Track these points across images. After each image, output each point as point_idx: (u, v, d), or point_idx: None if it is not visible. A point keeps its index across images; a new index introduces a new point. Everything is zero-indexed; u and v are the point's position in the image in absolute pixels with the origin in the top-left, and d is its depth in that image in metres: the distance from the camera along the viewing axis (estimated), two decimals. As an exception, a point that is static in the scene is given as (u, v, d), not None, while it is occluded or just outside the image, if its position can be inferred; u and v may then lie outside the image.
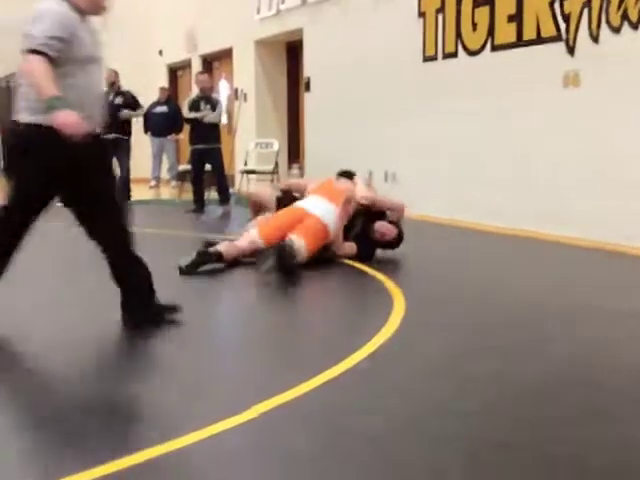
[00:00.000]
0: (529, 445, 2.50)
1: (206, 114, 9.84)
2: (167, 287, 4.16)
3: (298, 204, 5.94)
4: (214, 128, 9.98)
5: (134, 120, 11.57)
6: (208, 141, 9.88)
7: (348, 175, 6.44)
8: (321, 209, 5.77)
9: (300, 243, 5.33)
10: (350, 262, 5.77)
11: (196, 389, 3.06)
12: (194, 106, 9.93)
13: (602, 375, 3.22)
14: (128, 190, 11.21)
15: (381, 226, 6.02)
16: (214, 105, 9.96)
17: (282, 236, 5.47)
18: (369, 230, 6.02)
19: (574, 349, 3.59)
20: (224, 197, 10.11)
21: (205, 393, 3.03)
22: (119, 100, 11.16)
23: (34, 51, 3.38)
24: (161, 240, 7.20)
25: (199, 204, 10.02)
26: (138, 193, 12.21)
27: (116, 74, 11.33)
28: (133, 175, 11.46)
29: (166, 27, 16.20)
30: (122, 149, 11.08)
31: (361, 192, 6.14)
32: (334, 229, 5.76)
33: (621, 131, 6.36)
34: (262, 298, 4.94)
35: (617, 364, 3.36)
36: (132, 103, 11.31)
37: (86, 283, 4.95)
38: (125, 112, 11.06)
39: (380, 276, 5.26)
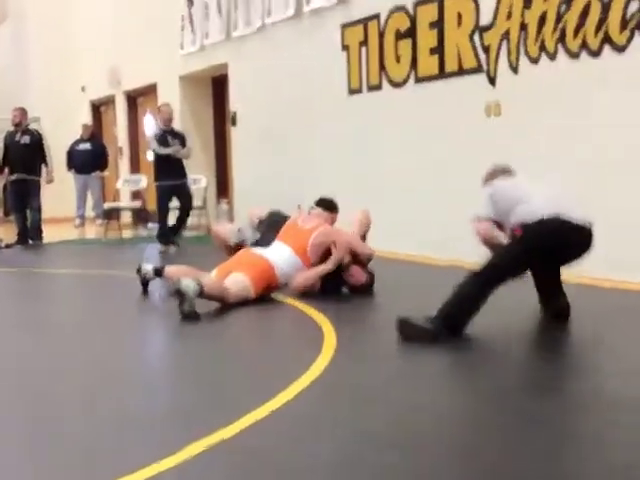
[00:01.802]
0: (466, 475, 2.47)
1: (178, 149, 9.57)
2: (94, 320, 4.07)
3: (257, 250, 5.85)
4: (181, 163, 9.71)
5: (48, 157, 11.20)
6: (177, 177, 9.62)
7: (326, 205, 6.27)
8: (276, 255, 5.71)
9: (190, 283, 5.01)
10: (284, 299, 5.71)
11: (120, 430, 2.96)
12: (162, 140, 9.59)
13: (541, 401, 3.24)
14: (40, 231, 10.97)
15: (354, 270, 5.84)
16: (182, 139, 9.68)
17: (228, 272, 5.49)
18: (341, 269, 5.83)
19: (505, 373, 3.62)
20: (172, 234, 9.76)
21: (129, 435, 2.93)
22: (25, 139, 10.92)
23: None
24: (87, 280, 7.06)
25: (166, 243, 9.60)
26: (62, 233, 12.00)
27: (23, 112, 11.09)
28: (56, 214, 11.23)
29: (88, 63, 16.03)
30: (32, 189, 10.86)
31: (347, 237, 5.87)
32: (286, 273, 5.68)
33: (542, 158, 6.49)
34: (188, 333, 4.84)
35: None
36: (39, 142, 11.03)
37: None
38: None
39: (311, 310, 5.22)
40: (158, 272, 5.96)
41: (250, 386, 3.52)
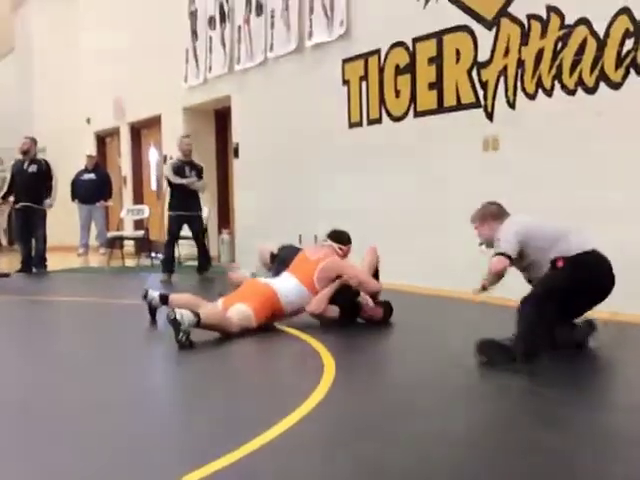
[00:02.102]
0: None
1: (193, 181, 9.72)
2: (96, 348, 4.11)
3: (262, 280, 5.97)
4: (197, 195, 9.87)
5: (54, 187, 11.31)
6: (190, 208, 9.75)
7: (337, 238, 6.34)
8: (281, 284, 5.80)
9: (185, 313, 5.10)
10: (284, 328, 5.79)
11: (125, 456, 3.02)
12: (179, 171, 9.74)
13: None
14: (44, 260, 11.07)
15: (367, 307, 5.92)
16: (199, 171, 9.84)
17: (233, 303, 5.58)
18: (357, 306, 5.95)
19: (503, 404, 3.67)
20: (205, 264, 9.94)
21: (133, 462, 2.98)
22: (33, 168, 11.04)
23: None
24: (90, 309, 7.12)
25: (170, 271, 9.74)
26: (66, 261, 12.09)
27: (33, 142, 11.23)
28: (60, 243, 11.32)
29: (93, 95, 16.22)
30: (37, 218, 10.97)
31: (354, 271, 5.94)
32: (292, 301, 5.76)
33: (538, 191, 6.59)
34: (187, 362, 4.91)
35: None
36: (46, 172, 11.16)
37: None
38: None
39: (311, 340, 5.28)
40: (164, 299, 6.03)
41: (244, 418, 3.55)
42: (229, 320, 5.40)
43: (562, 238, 4.71)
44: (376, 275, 6.16)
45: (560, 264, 4.61)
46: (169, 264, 9.77)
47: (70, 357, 5.19)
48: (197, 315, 5.11)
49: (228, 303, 5.66)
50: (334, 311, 5.87)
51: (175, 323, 5.03)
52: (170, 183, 9.86)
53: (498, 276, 4.82)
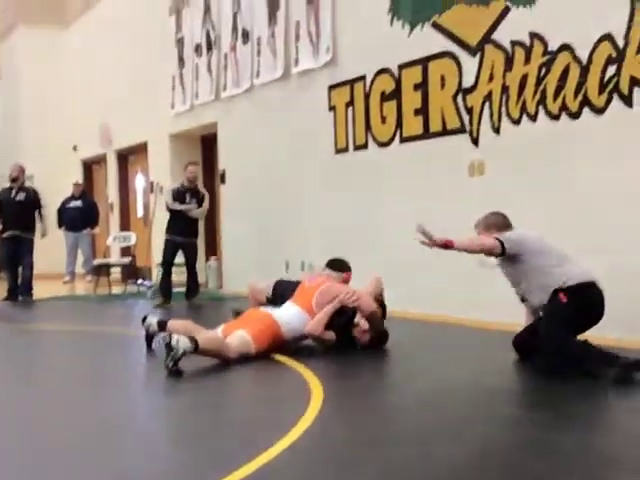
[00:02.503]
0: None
1: (192, 208, 9.70)
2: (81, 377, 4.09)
3: (264, 308, 5.99)
4: (194, 222, 9.85)
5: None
6: (187, 235, 9.75)
7: (335, 266, 6.35)
8: (282, 312, 5.82)
9: (182, 339, 5.06)
10: (272, 354, 5.76)
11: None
12: (179, 197, 9.74)
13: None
14: (30, 288, 11.01)
15: (358, 329, 5.95)
16: (200, 199, 9.81)
17: (234, 330, 5.57)
18: (351, 326, 5.98)
19: (492, 430, 3.66)
20: (193, 291, 9.92)
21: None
22: (21, 197, 11.01)
23: None
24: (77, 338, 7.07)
25: (167, 297, 9.75)
26: (52, 289, 12.03)
27: (21, 169, 11.20)
28: (47, 271, 11.27)
29: (80, 122, 16.24)
30: (25, 246, 10.93)
31: (354, 297, 5.88)
32: (294, 328, 5.75)
33: (525, 216, 6.60)
34: (176, 390, 4.88)
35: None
36: (35, 200, 11.14)
37: None
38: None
39: (300, 368, 5.26)
40: (162, 325, 5.97)
41: (227, 451, 3.52)
42: (226, 346, 5.37)
43: (562, 264, 4.88)
44: (382, 306, 6.18)
45: (564, 300, 4.75)
46: (164, 289, 9.77)
47: (56, 386, 5.15)
48: (194, 341, 5.07)
49: (228, 330, 5.64)
50: (331, 335, 5.86)
51: (169, 348, 4.99)
52: (169, 209, 9.85)
53: (478, 250, 5.04)
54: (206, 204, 9.92)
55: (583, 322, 4.84)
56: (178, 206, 9.69)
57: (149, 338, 6.06)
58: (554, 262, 4.89)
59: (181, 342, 5.01)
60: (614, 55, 5.87)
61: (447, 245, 4.96)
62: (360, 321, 5.97)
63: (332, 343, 5.85)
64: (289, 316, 5.80)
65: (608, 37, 5.90)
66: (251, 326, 5.60)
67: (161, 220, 12.50)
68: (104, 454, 3.49)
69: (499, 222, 5.24)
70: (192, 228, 9.85)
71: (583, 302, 4.79)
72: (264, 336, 5.59)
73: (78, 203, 13.77)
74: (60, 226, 13.72)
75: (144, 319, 6.10)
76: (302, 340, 5.92)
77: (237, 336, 5.49)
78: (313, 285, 6.07)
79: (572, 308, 4.75)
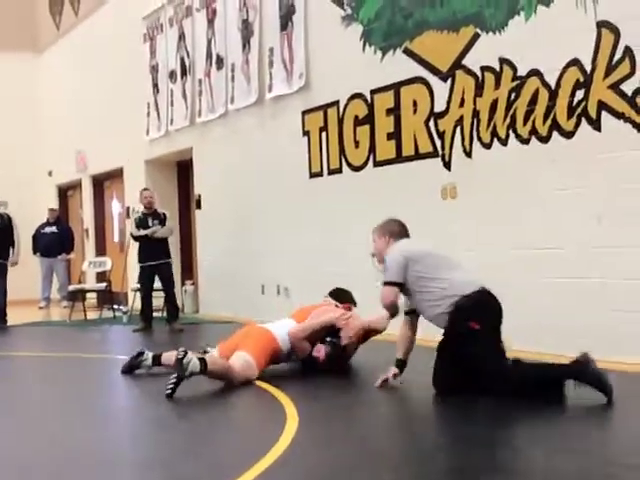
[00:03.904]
0: None
1: (156, 230, 9.74)
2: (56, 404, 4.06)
3: (262, 325, 5.99)
4: (164, 243, 9.87)
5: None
6: (158, 257, 9.77)
7: (336, 295, 6.36)
8: (279, 326, 5.87)
9: (193, 359, 5.09)
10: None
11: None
12: (142, 223, 9.80)
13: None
14: (4, 314, 10.92)
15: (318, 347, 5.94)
16: (162, 220, 9.85)
17: (233, 349, 5.59)
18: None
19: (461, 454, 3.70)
20: (174, 315, 9.88)
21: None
22: None
23: None
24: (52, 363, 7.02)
25: (147, 322, 9.76)
26: (27, 315, 11.95)
27: None
28: (22, 297, 11.19)
29: (55, 148, 16.22)
30: None
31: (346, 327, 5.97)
32: (287, 338, 5.79)
33: (496, 237, 6.69)
34: (148, 414, 4.87)
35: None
36: (7, 226, 11.05)
37: None
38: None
39: (274, 391, 5.26)
40: (156, 360, 5.95)
41: (199, 474, 3.52)
42: (231, 370, 5.39)
43: (445, 271, 4.91)
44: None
45: (474, 326, 4.71)
46: (144, 314, 9.80)
47: (31, 412, 5.12)
48: (203, 361, 5.09)
49: (226, 350, 5.66)
50: (306, 346, 5.88)
51: (180, 364, 4.96)
52: (134, 238, 9.89)
53: (393, 306, 5.03)
54: (169, 222, 9.98)
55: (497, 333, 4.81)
56: (142, 232, 9.75)
57: (134, 368, 6.03)
58: (434, 272, 4.89)
59: (192, 364, 4.99)
60: (582, 80, 5.98)
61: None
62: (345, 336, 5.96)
63: (306, 352, 5.88)
64: (285, 330, 5.83)
65: (575, 62, 6.01)
66: (251, 346, 5.58)
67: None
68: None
69: (394, 230, 5.32)
70: (162, 249, 9.87)
71: (489, 314, 4.78)
72: (265, 355, 5.63)
73: (53, 229, 13.74)
74: (35, 252, 13.66)
75: (141, 352, 6.05)
76: (299, 353, 5.92)
77: (240, 359, 5.48)
78: (312, 306, 6.21)
79: (486, 329, 4.71)
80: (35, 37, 17.20)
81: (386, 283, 4.99)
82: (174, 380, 5.03)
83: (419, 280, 4.90)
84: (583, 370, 4.41)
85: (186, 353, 5.03)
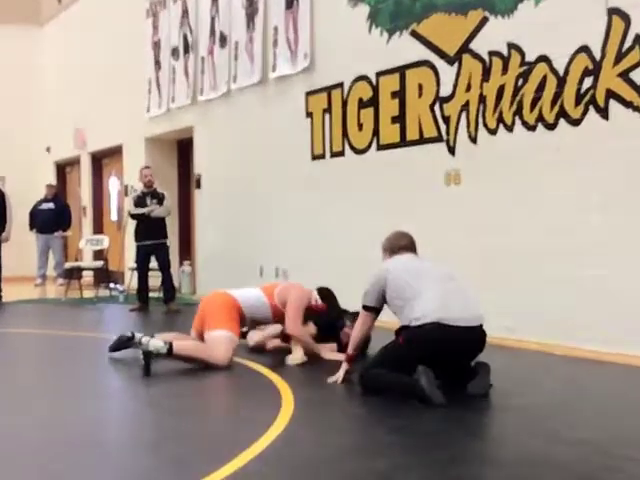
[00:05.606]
0: None
1: (153, 209, 9.65)
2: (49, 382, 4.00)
3: (223, 290, 6.04)
4: (161, 223, 9.80)
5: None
6: (155, 237, 9.71)
7: (320, 292, 6.23)
8: (241, 291, 5.96)
9: (154, 341, 5.23)
10: (245, 362, 5.71)
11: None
12: (140, 202, 9.72)
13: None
14: None
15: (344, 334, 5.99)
16: (161, 199, 9.76)
17: (202, 324, 5.73)
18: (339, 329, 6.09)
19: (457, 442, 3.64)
20: (170, 295, 9.81)
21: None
22: None
23: None
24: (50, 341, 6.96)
25: (144, 302, 9.75)
26: (22, 292, 11.88)
27: None
28: (16, 273, 11.10)
29: (54, 124, 16.09)
30: None
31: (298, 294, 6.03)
32: (252, 304, 5.86)
33: (500, 225, 6.62)
34: (146, 395, 4.81)
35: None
36: (1, 202, 10.94)
37: None
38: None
39: (272, 376, 5.21)
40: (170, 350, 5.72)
41: (193, 457, 3.45)
42: (209, 352, 5.42)
43: (412, 301, 4.65)
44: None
45: (401, 340, 4.66)
46: (140, 294, 9.79)
47: (24, 391, 5.05)
48: (168, 344, 5.18)
49: (200, 326, 5.75)
50: (311, 329, 5.99)
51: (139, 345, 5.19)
52: (132, 216, 9.82)
53: (367, 328, 4.97)
54: (167, 202, 9.86)
55: (429, 361, 4.47)
56: (140, 210, 9.67)
57: (123, 346, 5.87)
58: (404, 300, 4.71)
59: (151, 342, 5.14)
60: (590, 67, 5.89)
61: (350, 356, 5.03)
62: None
63: (313, 338, 5.93)
64: (247, 296, 5.92)
65: (585, 49, 5.92)
66: (222, 319, 5.62)
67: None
68: (58, 465, 3.41)
69: (385, 246, 5.24)
70: (159, 230, 9.79)
71: (418, 349, 4.53)
72: (236, 320, 5.72)
73: (50, 205, 13.64)
74: (32, 228, 13.57)
75: (131, 337, 5.77)
76: (260, 324, 6.12)
77: (222, 338, 5.50)
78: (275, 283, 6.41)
79: (404, 351, 4.59)
80: (36, 11, 17.03)
81: (363, 307, 4.95)
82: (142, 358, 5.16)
83: (392, 300, 4.83)
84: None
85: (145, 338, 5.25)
